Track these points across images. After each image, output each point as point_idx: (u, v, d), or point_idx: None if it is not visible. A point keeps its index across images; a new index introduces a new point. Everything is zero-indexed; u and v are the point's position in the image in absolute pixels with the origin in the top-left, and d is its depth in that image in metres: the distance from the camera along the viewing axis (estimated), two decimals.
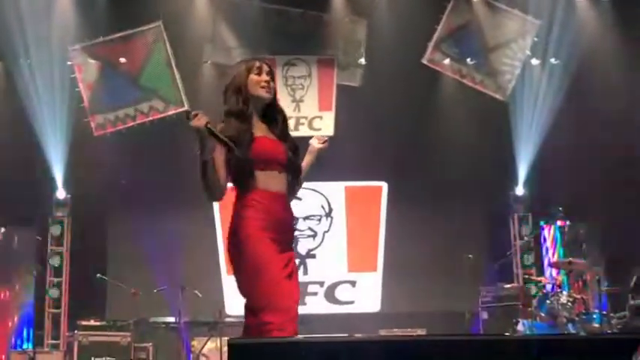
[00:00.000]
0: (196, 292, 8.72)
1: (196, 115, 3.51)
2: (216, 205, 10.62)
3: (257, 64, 3.77)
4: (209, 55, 10.20)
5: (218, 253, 10.26)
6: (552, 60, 10.36)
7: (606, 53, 10.00)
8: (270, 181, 3.67)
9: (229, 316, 9.22)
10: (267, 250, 3.59)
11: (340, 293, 10.63)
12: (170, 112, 9.90)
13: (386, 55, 9.71)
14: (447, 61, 9.83)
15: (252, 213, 3.60)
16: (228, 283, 10.38)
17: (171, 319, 9.21)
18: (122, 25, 9.95)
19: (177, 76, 9.75)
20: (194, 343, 9.11)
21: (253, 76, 3.74)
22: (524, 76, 10.26)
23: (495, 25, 9.70)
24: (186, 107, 9.52)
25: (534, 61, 10.45)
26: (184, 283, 8.67)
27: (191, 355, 8.83)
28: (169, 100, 9.96)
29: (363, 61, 10.03)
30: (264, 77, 3.76)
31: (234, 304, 10.13)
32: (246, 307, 3.63)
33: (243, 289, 3.63)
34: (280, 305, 3.50)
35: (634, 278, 8.36)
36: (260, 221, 3.59)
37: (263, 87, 3.74)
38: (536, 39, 9.88)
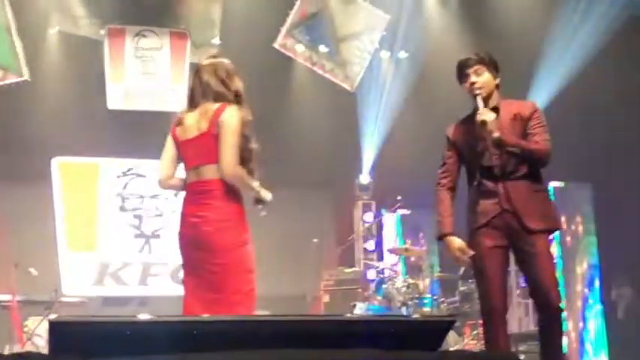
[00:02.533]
0: (31, 270, 8.35)
1: None
2: (57, 181, 10.24)
3: None
4: (56, 23, 9.75)
5: (55, 231, 9.91)
6: (401, 53, 10.71)
7: (452, 48, 10.43)
8: None
9: (65, 296, 8.91)
10: None
11: None
12: (7, 81, 9.35)
13: (240, 36, 9.65)
14: (299, 47, 9.91)
15: None
16: (66, 261, 10.04)
17: (3, 298, 8.79)
18: None
19: (18, 44, 9.21)
20: (28, 322, 8.72)
21: None
22: (372, 68, 10.53)
23: (347, 16, 9.88)
24: (26, 76, 9.02)
25: (383, 54, 10.76)
26: (17, 261, 8.29)
27: (24, 335, 8.44)
28: (7, 68, 9.40)
29: (217, 40, 9.92)
30: None
31: (71, 283, 9.81)
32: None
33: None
34: None
35: None
36: None
37: None
38: (384, 33, 10.16)
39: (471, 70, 4.17)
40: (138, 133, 9.92)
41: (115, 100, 9.64)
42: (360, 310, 8.29)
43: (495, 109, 4.15)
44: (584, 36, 8.73)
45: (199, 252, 3.90)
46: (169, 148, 4.09)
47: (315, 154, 10.36)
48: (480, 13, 10.09)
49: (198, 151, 3.93)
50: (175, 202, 11.44)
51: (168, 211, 10.55)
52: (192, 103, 4.04)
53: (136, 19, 9.78)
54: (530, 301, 10.68)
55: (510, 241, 4.08)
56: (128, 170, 10.66)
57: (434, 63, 10.43)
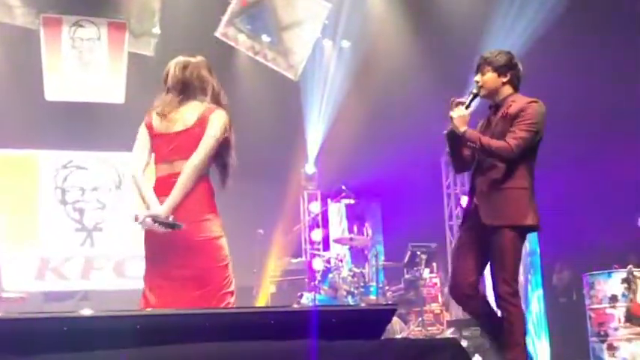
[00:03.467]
0: None
1: None
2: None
3: None
4: None
5: None
6: (343, 42, 10.72)
7: (394, 37, 10.50)
8: None
9: (5, 291, 8.71)
10: None
11: (130, 268, 10.39)
12: None
13: (181, 25, 9.53)
14: (240, 36, 9.83)
15: None
16: (5, 256, 9.80)
17: None
18: None
19: None
20: None
21: None
22: (315, 57, 10.51)
23: (289, 5, 9.84)
24: None
25: (326, 43, 10.76)
26: None
27: None
28: None
29: (157, 30, 9.77)
30: None
31: (11, 278, 9.58)
32: None
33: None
34: None
35: (408, 253, 8.96)
36: None
37: None
38: (326, 22, 10.16)
39: (477, 70, 4.42)
40: (78, 124, 9.74)
41: (53, 92, 9.44)
42: (306, 299, 8.32)
43: (497, 106, 4.35)
44: (524, 25, 8.84)
45: (172, 247, 3.80)
46: (143, 138, 4.00)
47: (259, 145, 10.28)
48: (421, 1, 10.16)
49: (179, 145, 3.86)
50: (117, 194, 11.32)
51: (111, 203, 10.40)
52: (183, 96, 3.96)
53: (74, 8, 9.56)
54: None
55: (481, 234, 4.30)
56: (68, 162, 10.47)
57: (376, 52, 10.48)
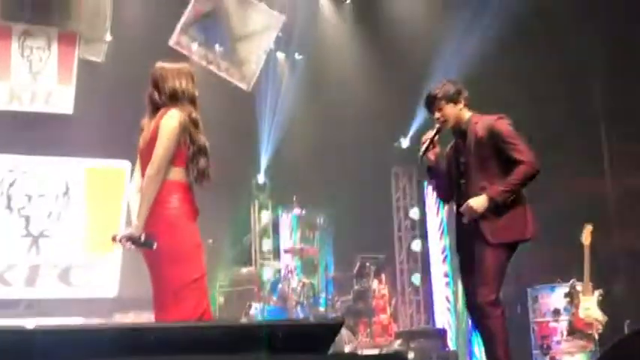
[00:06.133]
0: None
1: None
2: None
3: None
4: None
5: None
6: (296, 55, 10.77)
7: (346, 50, 10.59)
8: None
9: None
10: None
11: (76, 276, 10.23)
12: None
13: (133, 33, 9.46)
14: (194, 45, 9.80)
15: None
16: None
17: None
18: None
19: None
20: None
21: None
22: (268, 69, 10.54)
23: (242, 16, 9.85)
24: None
25: (279, 55, 10.80)
26: None
27: None
28: None
29: (108, 36, 9.67)
30: None
31: None
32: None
33: None
34: None
35: (358, 264, 9.01)
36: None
37: None
38: (280, 34, 10.20)
39: (433, 108, 4.47)
40: (25, 130, 9.57)
41: (1, 100, 9.29)
42: (255, 310, 8.30)
43: (462, 131, 4.42)
44: (475, 37, 8.96)
45: (152, 256, 3.87)
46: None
47: (211, 154, 10.24)
48: (373, 16, 10.28)
49: (150, 158, 3.88)
50: (65, 201, 11.13)
51: (58, 210, 10.23)
52: (147, 115, 4.04)
53: (24, 14, 9.41)
54: (421, 299, 11.02)
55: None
56: (14, 168, 10.26)
57: (328, 63, 10.56)
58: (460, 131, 4.45)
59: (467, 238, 4.36)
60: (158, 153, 3.79)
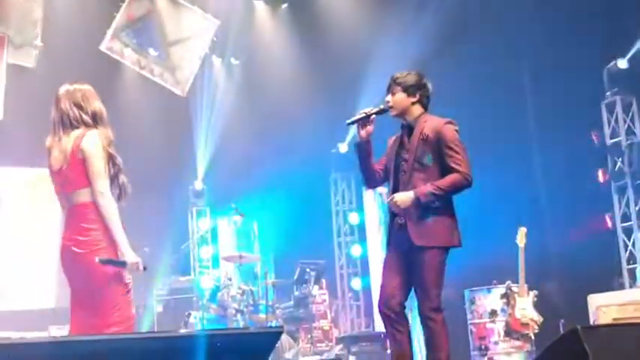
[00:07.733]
0: None
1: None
2: None
3: None
4: None
5: None
6: (232, 59, 10.69)
7: (282, 55, 10.57)
8: None
9: None
10: None
11: (11, 288, 9.94)
12: None
13: (64, 38, 9.24)
14: (126, 50, 9.62)
15: None
16: None
17: None
18: None
19: None
20: None
21: None
22: (204, 74, 10.44)
23: (176, 20, 9.72)
24: None
25: (215, 59, 10.71)
26: None
27: None
28: None
29: (39, 41, 9.41)
30: None
31: None
32: None
33: None
34: None
35: (298, 270, 8.97)
36: None
37: None
38: (215, 39, 10.11)
39: (389, 90, 4.46)
40: None
41: None
42: (194, 319, 8.17)
43: (410, 127, 4.42)
44: (414, 38, 9.02)
45: (78, 275, 3.97)
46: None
47: (147, 161, 10.08)
48: (310, 20, 10.28)
49: (69, 178, 3.98)
50: None
51: None
52: (56, 135, 4.07)
53: None
54: (361, 304, 11.06)
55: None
56: None
57: (265, 68, 10.52)
58: (408, 126, 4.44)
59: (397, 238, 4.38)
60: (100, 175, 3.93)
